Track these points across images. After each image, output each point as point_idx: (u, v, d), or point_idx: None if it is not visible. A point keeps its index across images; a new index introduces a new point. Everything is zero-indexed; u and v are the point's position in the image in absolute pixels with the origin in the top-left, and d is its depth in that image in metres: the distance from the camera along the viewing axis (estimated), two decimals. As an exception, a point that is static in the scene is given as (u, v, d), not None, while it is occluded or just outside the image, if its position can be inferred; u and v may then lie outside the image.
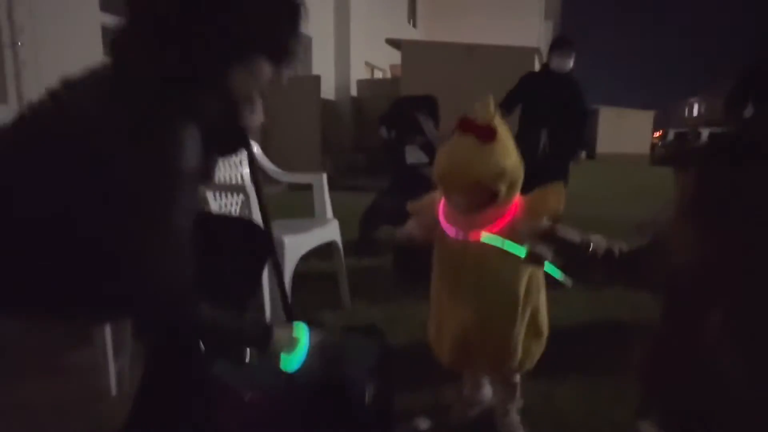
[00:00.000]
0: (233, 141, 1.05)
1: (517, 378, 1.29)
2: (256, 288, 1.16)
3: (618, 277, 1.03)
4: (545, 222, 0.99)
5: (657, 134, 23.29)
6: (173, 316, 0.86)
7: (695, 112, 41.99)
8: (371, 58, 11.86)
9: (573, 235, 0.95)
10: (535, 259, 0.95)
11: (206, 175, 0.98)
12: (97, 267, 0.82)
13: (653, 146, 20.81)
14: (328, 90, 9.61)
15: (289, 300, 1.73)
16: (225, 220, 1.21)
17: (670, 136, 22.22)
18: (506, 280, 1.12)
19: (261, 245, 1.15)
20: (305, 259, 2.01)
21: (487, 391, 1.40)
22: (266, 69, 0.95)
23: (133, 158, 0.78)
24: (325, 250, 2.21)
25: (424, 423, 1.33)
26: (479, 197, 1.08)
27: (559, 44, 3.34)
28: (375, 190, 3.57)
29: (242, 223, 1.21)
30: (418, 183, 2.37)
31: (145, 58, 0.83)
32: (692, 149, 0.87)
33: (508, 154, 1.08)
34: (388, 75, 12.12)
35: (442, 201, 1.19)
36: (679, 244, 0.85)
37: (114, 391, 1.44)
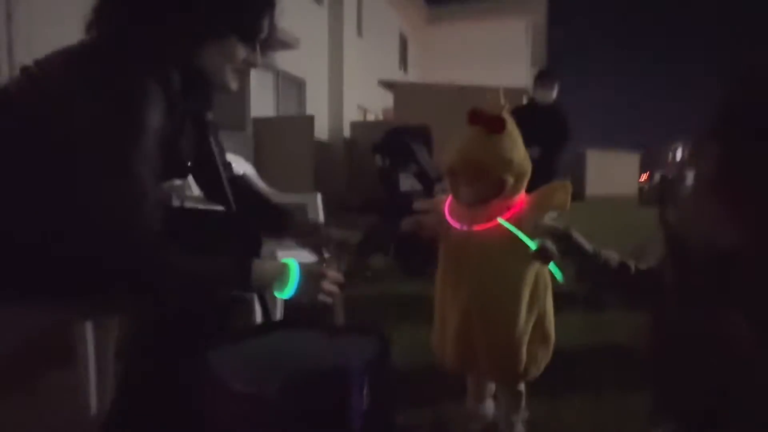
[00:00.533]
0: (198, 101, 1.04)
1: (522, 387, 1.23)
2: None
3: (628, 292, 1.02)
4: (559, 221, 1.01)
5: (644, 177, 23.78)
6: (140, 264, 0.82)
7: (678, 157, 43.06)
8: (364, 102, 12.17)
9: (587, 243, 0.96)
10: (544, 254, 0.94)
11: (174, 140, 0.97)
12: (59, 223, 0.81)
13: (641, 189, 21.19)
14: (321, 132, 9.79)
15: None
16: (211, 214, 1.18)
17: (657, 178, 22.72)
18: (509, 273, 1.10)
19: (250, 239, 1.12)
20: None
21: (490, 405, 1.33)
22: (238, 49, 0.98)
23: (92, 106, 0.79)
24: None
25: (424, 439, 1.25)
26: (486, 188, 1.09)
27: (541, 77, 3.57)
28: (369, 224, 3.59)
29: (229, 217, 1.18)
30: (412, 211, 2.37)
31: (113, 31, 0.87)
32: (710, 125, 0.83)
33: (516, 147, 1.10)
34: (381, 117, 12.41)
35: (448, 199, 1.20)
36: (702, 227, 0.81)
37: (94, 410, 1.35)
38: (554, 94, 3.53)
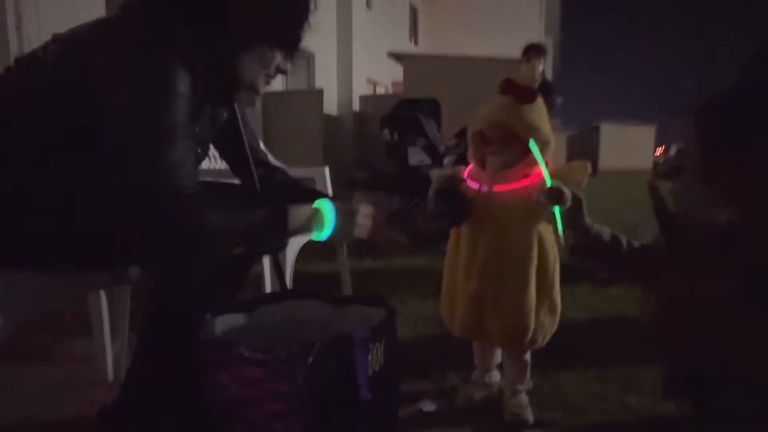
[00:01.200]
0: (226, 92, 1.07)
1: (528, 357, 1.25)
2: (252, 262, 1.13)
3: (618, 268, 1.03)
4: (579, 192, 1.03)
5: (659, 151, 23.33)
6: (181, 218, 0.83)
7: (696, 129, 42.00)
8: (373, 75, 12.01)
9: (587, 216, 1.00)
10: (556, 194, 0.98)
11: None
12: (94, 185, 0.84)
13: (656, 163, 20.81)
14: (330, 105, 9.70)
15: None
16: (224, 186, 1.20)
17: (673, 151, 22.26)
18: (525, 236, 1.15)
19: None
20: (307, 259, 1.97)
21: (496, 375, 1.36)
22: (275, 57, 1.00)
23: (126, 69, 0.82)
24: (328, 250, 2.19)
25: (429, 406, 1.29)
26: (512, 153, 1.14)
27: (527, 51, 3.71)
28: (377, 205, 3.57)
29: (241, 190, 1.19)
30: (421, 184, 2.37)
31: (153, 20, 0.88)
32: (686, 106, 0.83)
33: (543, 118, 1.16)
34: (390, 91, 12.25)
35: (468, 168, 1.25)
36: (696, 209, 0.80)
37: (111, 376, 1.41)
38: (540, 67, 3.71)
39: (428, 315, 1.92)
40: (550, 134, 1.17)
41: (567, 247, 1.02)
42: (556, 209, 1.01)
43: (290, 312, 1.08)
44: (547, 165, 1.17)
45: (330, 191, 2.17)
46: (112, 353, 1.42)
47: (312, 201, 1.21)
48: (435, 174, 1.26)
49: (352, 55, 10.69)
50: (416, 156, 3.05)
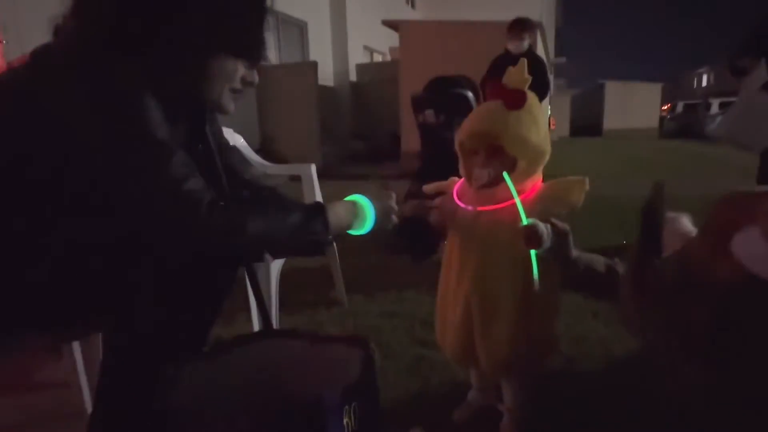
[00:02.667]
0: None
1: (525, 381, 1.17)
2: (231, 284, 1.05)
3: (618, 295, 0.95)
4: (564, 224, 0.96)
5: (665, 107, 22.79)
6: (219, 231, 0.82)
7: (704, 83, 41.14)
8: (370, 42, 11.63)
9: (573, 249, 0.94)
10: (531, 235, 0.91)
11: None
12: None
13: (662, 120, 20.37)
14: (326, 76, 9.44)
15: (274, 302, 1.64)
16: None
17: (679, 108, 21.75)
18: (513, 259, 1.03)
19: None
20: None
21: (493, 396, 1.28)
22: (237, 69, 0.91)
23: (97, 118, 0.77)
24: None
25: (421, 433, 1.22)
26: (498, 167, 1.02)
27: (511, 28, 3.71)
28: (378, 178, 3.40)
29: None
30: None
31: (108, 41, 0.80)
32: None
33: (536, 127, 1.02)
34: (388, 58, 11.89)
35: (459, 182, 1.15)
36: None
37: (89, 407, 1.35)
38: (526, 43, 3.70)
39: (425, 316, 1.84)
40: (544, 144, 1.04)
41: (540, 289, 0.94)
42: (533, 252, 0.94)
43: (266, 353, 1.00)
44: (539, 180, 1.07)
45: (317, 189, 2.07)
46: (88, 382, 1.36)
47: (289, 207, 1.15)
48: (407, 207, 1.14)
49: (346, 22, 10.31)
50: None
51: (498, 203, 1.03)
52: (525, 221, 0.93)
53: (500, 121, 1.00)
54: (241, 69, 0.92)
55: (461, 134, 1.07)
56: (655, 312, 0.64)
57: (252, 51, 0.92)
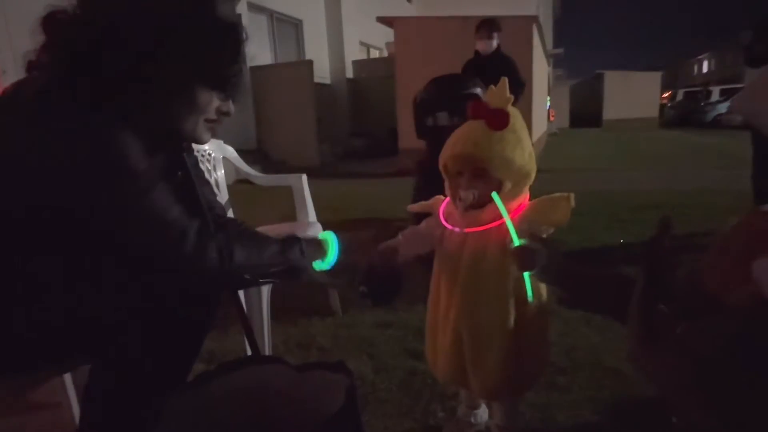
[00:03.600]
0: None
1: (516, 400, 1.17)
2: (212, 314, 1.05)
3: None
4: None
5: (665, 95, 22.63)
6: (214, 278, 0.88)
7: (704, 69, 40.79)
8: (366, 38, 11.56)
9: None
10: (524, 256, 0.90)
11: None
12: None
13: (662, 108, 20.24)
14: (322, 73, 9.39)
15: (265, 315, 1.64)
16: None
17: (679, 96, 21.59)
18: (500, 281, 1.02)
19: None
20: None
21: (483, 413, 1.28)
22: (211, 100, 0.91)
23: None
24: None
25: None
26: (483, 189, 1.00)
27: (479, 29, 3.62)
28: (375, 176, 3.31)
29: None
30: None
31: (75, 81, 0.79)
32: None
33: (520, 146, 0.99)
34: (385, 54, 11.83)
35: (445, 202, 1.12)
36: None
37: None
38: (495, 43, 3.59)
39: (419, 326, 1.83)
40: (529, 164, 1.01)
41: (531, 312, 0.92)
42: (526, 274, 0.92)
43: (250, 380, 0.99)
44: (526, 198, 1.05)
45: (309, 198, 2.06)
46: (78, 402, 1.36)
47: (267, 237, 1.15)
48: (380, 250, 1.11)
49: (342, 19, 10.23)
50: None
51: (485, 224, 1.01)
52: (516, 242, 0.91)
53: (484, 143, 0.97)
54: (215, 101, 0.91)
55: (444, 155, 1.05)
56: (665, 356, 0.62)
57: (227, 83, 0.91)
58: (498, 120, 0.99)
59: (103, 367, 0.94)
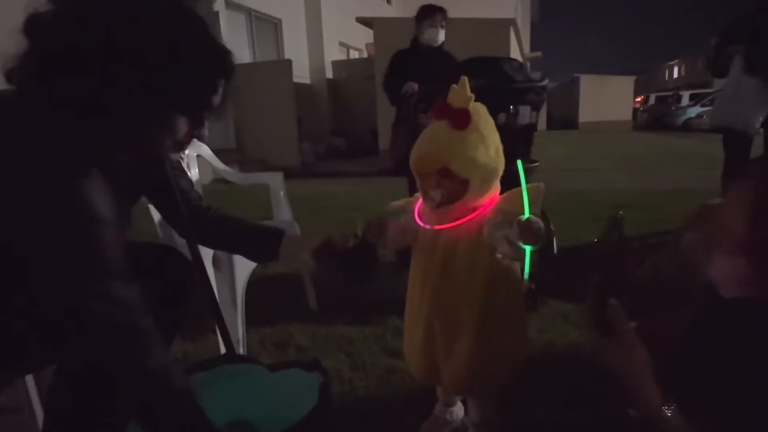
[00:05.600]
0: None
1: (490, 395, 1.17)
2: (178, 322, 1.02)
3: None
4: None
5: (638, 99, 23.22)
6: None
7: (675, 75, 42.01)
8: (346, 38, 11.54)
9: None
10: (528, 230, 0.84)
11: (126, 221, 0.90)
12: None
13: (635, 112, 20.74)
14: (302, 73, 9.33)
15: (240, 313, 1.61)
16: (138, 247, 1.04)
17: (652, 100, 22.19)
18: (471, 277, 1.02)
19: (180, 273, 1.01)
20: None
21: (459, 410, 1.28)
22: (181, 126, 0.82)
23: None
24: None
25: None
26: (450, 187, 1.01)
27: (429, 13, 2.87)
28: (356, 176, 3.30)
29: (156, 250, 1.06)
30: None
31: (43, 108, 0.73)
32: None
33: (484, 145, 1.00)
34: (365, 54, 11.83)
35: (419, 202, 1.12)
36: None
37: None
38: (443, 34, 2.91)
39: (396, 323, 1.83)
40: (494, 162, 1.01)
41: (503, 304, 0.91)
42: (527, 248, 0.87)
43: (222, 380, 0.98)
44: (496, 192, 1.05)
45: (284, 199, 2.03)
46: (41, 406, 1.31)
47: (252, 233, 1.14)
48: (369, 226, 1.11)
49: (321, 19, 10.19)
50: (527, 113, 2.14)
51: (454, 221, 1.02)
52: (527, 214, 0.87)
53: (446, 144, 0.98)
54: (184, 126, 0.83)
55: (412, 156, 1.05)
56: (621, 348, 0.63)
57: (202, 114, 0.84)
58: (460, 120, 0.99)
59: (68, 368, 0.90)
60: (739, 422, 0.60)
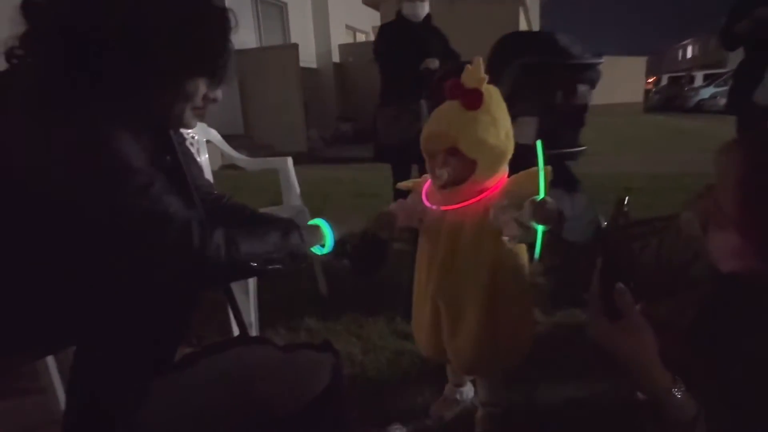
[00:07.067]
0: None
1: (498, 376, 1.19)
2: (192, 307, 1.04)
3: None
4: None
5: (650, 81, 22.81)
6: (210, 266, 0.84)
7: (689, 55, 41.13)
8: (352, 21, 11.42)
9: None
10: (546, 210, 0.85)
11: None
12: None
13: (647, 93, 20.39)
14: (308, 57, 9.25)
15: (252, 300, 1.64)
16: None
17: (664, 81, 21.77)
18: (477, 258, 1.03)
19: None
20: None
21: (469, 391, 1.30)
22: (199, 88, 0.88)
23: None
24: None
25: (398, 430, 1.23)
26: (458, 169, 1.01)
27: None
28: (364, 161, 3.28)
29: None
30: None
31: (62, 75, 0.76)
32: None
33: (495, 126, 1.00)
34: (371, 38, 11.70)
35: (428, 182, 1.13)
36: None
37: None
38: (426, 7, 2.76)
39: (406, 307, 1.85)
40: (503, 144, 1.01)
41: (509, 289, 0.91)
42: (540, 228, 0.87)
43: (236, 361, 1.00)
44: (504, 175, 1.05)
45: (294, 181, 2.04)
46: (64, 388, 1.35)
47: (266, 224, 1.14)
48: (377, 219, 1.12)
49: (327, 2, 10.08)
50: (583, 92, 1.98)
51: (461, 202, 1.03)
52: (542, 195, 0.87)
53: (456, 124, 0.99)
54: (203, 88, 0.89)
55: (422, 135, 1.05)
56: (629, 332, 0.63)
57: (215, 71, 0.89)
58: (471, 100, 0.99)
59: (89, 349, 0.93)
60: (747, 401, 0.61)
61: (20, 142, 0.75)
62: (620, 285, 0.62)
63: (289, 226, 0.99)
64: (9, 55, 0.80)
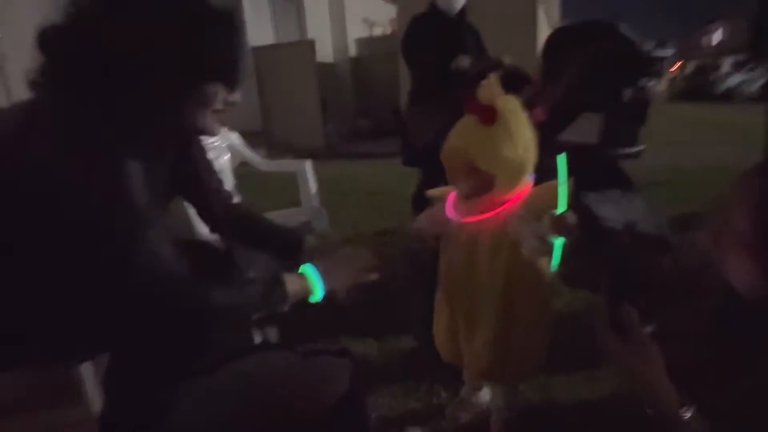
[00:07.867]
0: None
1: (511, 382, 1.20)
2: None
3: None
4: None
5: (675, 67, 22.17)
6: (193, 317, 0.88)
7: (716, 40, 39.80)
8: (369, 14, 11.37)
9: None
10: (566, 223, 0.87)
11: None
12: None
13: (671, 80, 19.83)
14: (325, 53, 9.27)
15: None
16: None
17: (690, 67, 21.12)
18: (493, 269, 1.04)
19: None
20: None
21: (485, 394, 1.32)
22: (219, 93, 0.90)
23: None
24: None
25: (415, 431, 1.26)
26: (478, 182, 1.03)
27: None
28: (382, 157, 3.22)
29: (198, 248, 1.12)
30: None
31: (89, 102, 0.79)
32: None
33: (512, 141, 0.99)
34: (389, 31, 11.64)
35: (454, 192, 1.15)
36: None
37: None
38: (461, 1, 2.52)
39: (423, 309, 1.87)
40: (522, 157, 1.00)
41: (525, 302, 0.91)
42: (560, 241, 0.89)
43: (255, 368, 1.04)
44: (527, 186, 1.06)
45: (313, 184, 2.08)
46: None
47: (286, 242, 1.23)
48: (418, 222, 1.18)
49: (343, -4, 10.07)
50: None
51: (483, 212, 1.04)
52: (562, 209, 0.89)
53: (473, 140, 1.00)
54: (221, 92, 0.91)
55: (444, 148, 1.06)
56: (637, 351, 0.64)
57: (232, 74, 0.91)
58: (486, 116, 0.99)
59: (120, 356, 0.97)
60: (759, 422, 0.62)
61: (44, 170, 0.76)
62: (626, 306, 0.63)
63: (274, 280, 0.99)
64: (32, 84, 0.82)
